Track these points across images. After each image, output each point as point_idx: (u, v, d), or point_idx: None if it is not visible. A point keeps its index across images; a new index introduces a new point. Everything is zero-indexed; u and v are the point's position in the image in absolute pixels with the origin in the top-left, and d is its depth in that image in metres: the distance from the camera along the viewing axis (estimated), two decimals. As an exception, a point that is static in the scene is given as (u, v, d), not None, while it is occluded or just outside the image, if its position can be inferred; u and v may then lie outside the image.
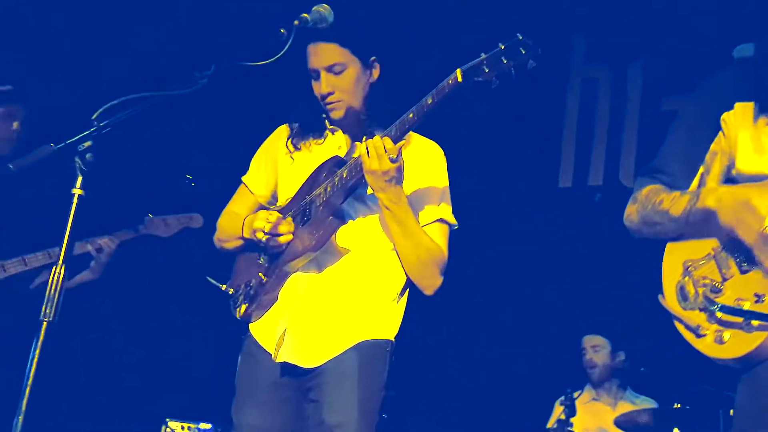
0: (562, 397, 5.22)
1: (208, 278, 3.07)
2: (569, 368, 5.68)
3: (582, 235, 5.91)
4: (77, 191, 2.23)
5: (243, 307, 3.02)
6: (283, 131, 3.16)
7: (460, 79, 2.56)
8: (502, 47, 2.51)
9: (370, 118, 2.96)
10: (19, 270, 4.08)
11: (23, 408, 2.12)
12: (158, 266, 5.56)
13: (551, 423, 5.36)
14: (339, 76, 2.94)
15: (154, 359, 5.79)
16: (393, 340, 2.95)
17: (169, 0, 5.20)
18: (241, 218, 3.05)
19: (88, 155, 2.23)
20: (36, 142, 2.25)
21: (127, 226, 4.37)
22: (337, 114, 2.98)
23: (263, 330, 2.99)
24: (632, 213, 2.65)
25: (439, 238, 2.96)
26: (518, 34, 2.51)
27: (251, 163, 3.21)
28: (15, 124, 4.16)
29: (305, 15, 2.72)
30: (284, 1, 2.97)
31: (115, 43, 5.31)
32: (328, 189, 2.89)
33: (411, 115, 2.69)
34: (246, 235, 3.00)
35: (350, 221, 2.94)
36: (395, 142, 2.71)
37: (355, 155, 2.85)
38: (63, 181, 2.25)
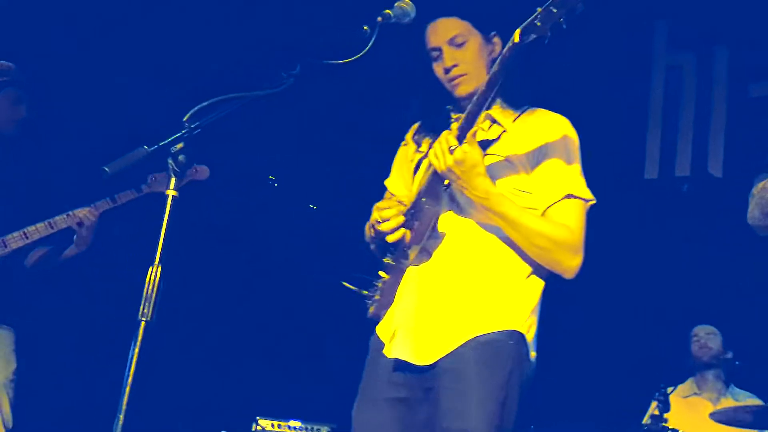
0: (657, 393, 5.12)
1: (344, 283, 3.03)
2: (664, 365, 5.57)
3: (669, 227, 5.80)
4: (171, 192, 2.26)
5: (371, 308, 2.95)
6: (414, 129, 3.08)
7: (517, 39, 2.50)
8: None
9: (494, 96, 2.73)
10: (20, 244, 4.05)
11: (123, 407, 2.16)
12: (244, 262, 5.65)
13: (646, 419, 5.27)
14: (461, 48, 2.83)
15: (247, 357, 5.88)
16: (520, 330, 2.73)
17: (254, 1, 5.25)
18: None
19: (180, 157, 2.26)
20: (130, 145, 2.28)
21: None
22: (463, 89, 2.83)
23: (384, 328, 2.89)
24: (752, 209, 2.55)
25: (567, 216, 2.72)
26: None
27: (392, 165, 3.16)
28: (22, 108, 4.20)
29: (388, 11, 2.67)
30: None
31: (204, 45, 5.39)
32: (429, 178, 2.76)
33: (482, 87, 2.60)
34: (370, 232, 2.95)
35: (458, 207, 2.79)
36: (473, 118, 2.60)
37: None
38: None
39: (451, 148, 2.59)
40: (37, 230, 4.04)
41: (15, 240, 4.03)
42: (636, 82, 6.19)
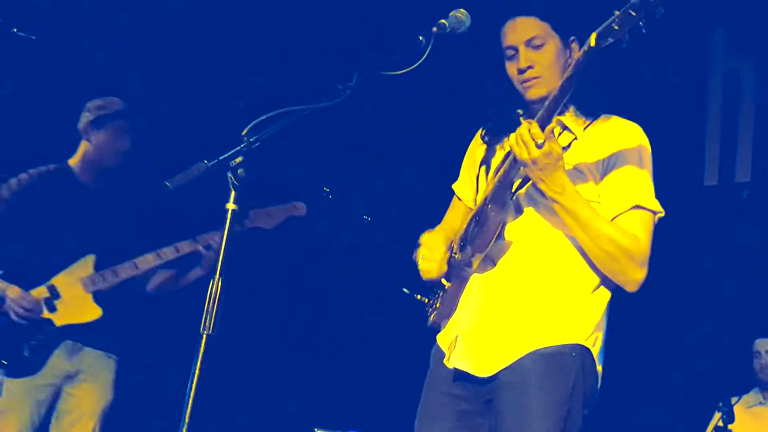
0: (720, 403, 5.03)
1: (404, 290, 3.02)
2: (726, 375, 5.48)
3: (729, 233, 5.70)
4: (231, 206, 2.28)
5: (432, 316, 2.92)
6: (479, 137, 3.04)
7: (593, 43, 2.42)
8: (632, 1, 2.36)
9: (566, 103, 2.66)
10: (131, 274, 4.16)
11: (186, 420, 2.17)
12: (302, 273, 5.67)
13: (709, 430, 5.19)
14: (538, 50, 2.74)
15: (305, 367, 5.90)
16: (585, 344, 2.67)
17: (309, 15, 5.29)
18: (443, 232, 3.00)
19: (239, 170, 2.28)
20: (190, 160, 2.31)
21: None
22: (534, 93, 2.77)
23: (444, 337, 2.85)
24: None
25: (635, 226, 2.63)
26: None
27: (461, 170, 3.12)
28: (127, 140, 4.29)
29: (443, 21, 2.65)
30: (421, 9, 2.96)
31: (261, 60, 5.44)
32: (495, 185, 2.71)
33: (554, 92, 2.53)
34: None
35: (526, 215, 2.73)
36: (544, 124, 2.53)
37: (506, 146, 2.69)
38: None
39: (538, 143, 2.51)
40: (147, 260, 4.17)
41: (125, 270, 4.16)
42: (694, 87, 6.10)
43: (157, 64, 5.44)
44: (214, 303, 2.22)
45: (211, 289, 2.24)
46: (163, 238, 4.23)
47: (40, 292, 4.08)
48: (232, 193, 2.29)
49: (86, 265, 4.15)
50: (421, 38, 2.64)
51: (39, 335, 4.05)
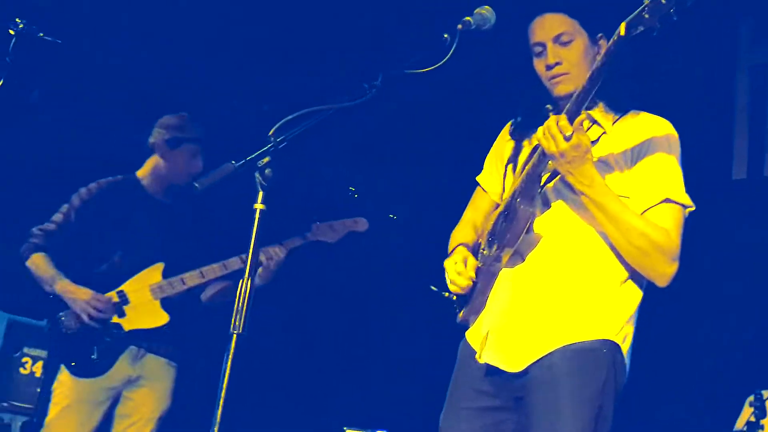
0: (751, 398, 4.97)
1: (432, 287, 3.01)
2: (756, 369, 5.43)
3: (759, 227, 5.64)
4: (259, 206, 2.30)
5: (461, 313, 2.92)
6: (507, 132, 3.04)
7: (623, 32, 2.40)
8: None
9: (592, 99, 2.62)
10: (197, 283, 4.25)
11: (218, 419, 2.19)
12: (330, 272, 5.68)
13: (740, 424, 5.12)
14: (566, 47, 2.75)
15: (334, 366, 5.92)
16: (613, 339, 2.67)
17: (334, 15, 5.29)
18: (471, 227, 3.01)
19: (267, 170, 2.30)
20: (218, 160, 2.32)
21: (297, 234, 4.47)
22: (562, 89, 2.77)
23: (474, 333, 2.85)
24: None
25: (665, 219, 2.62)
26: None
27: (485, 162, 3.12)
28: (200, 162, 4.36)
29: (468, 18, 2.67)
30: (446, 7, 2.95)
31: (286, 60, 5.46)
32: (523, 179, 2.71)
33: (584, 83, 2.52)
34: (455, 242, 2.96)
35: (554, 209, 2.73)
36: (573, 116, 2.53)
37: (534, 140, 2.70)
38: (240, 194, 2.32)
39: (566, 136, 2.50)
40: (213, 270, 4.26)
41: (192, 278, 4.25)
42: (721, 81, 6.04)
43: (183, 68, 5.47)
44: (243, 303, 2.23)
45: (241, 288, 2.25)
46: (227, 249, 4.30)
47: (110, 297, 4.17)
48: (260, 193, 2.31)
49: (155, 272, 4.25)
50: (446, 36, 2.65)
51: (108, 338, 4.14)
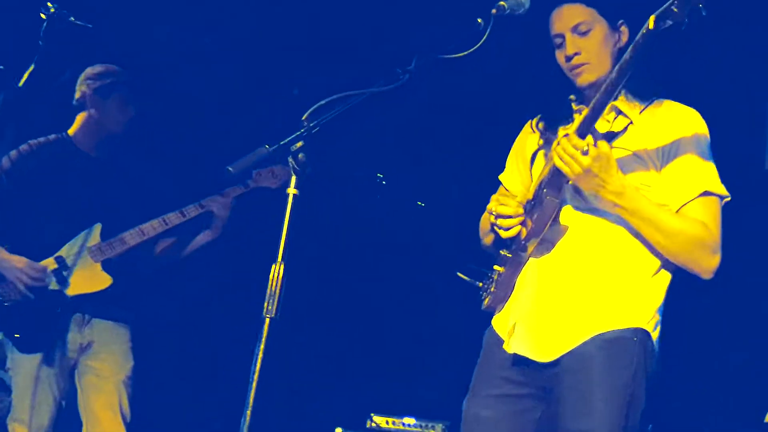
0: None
1: (458, 274, 3.01)
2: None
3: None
4: (292, 191, 2.30)
5: (486, 300, 2.91)
6: (530, 126, 3.04)
7: (651, 26, 2.39)
8: None
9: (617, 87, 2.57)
10: (137, 241, 4.15)
11: (250, 403, 2.20)
12: (357, 258, 5.67)
13: (769, 418, 5.10)
14: (585, 36, 2.76)
15: (362, 353, 5.93)
16: (645, 328, 2.67)
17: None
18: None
19: (300, 155, 2.30)
20: (251, 145, 2.32)
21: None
22: (584, 79, 2.78)
23: (501, 321, 2.86)
24: None
25: (703, 213, 2.64)
26: None
27: (507, 161, 3.13)
28: (131, 109, 4.28)
29: (502, 3, 2.64)
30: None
31: (317, 45, 5.46)
32: (551, 169, 2.68)
33: (612, 75, 2.51)
34: (487, 227, 2.91)
35: (582, 199, 2.72)
36: (602, 108, 2.52)
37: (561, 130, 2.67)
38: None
39: (584, 150, 2.50)
40: (152, 227, 4.15)
41: (132, 237, 4.14)
42: (753, 70, 5.98)
43: (214, 51, 5.47)
44: (276, 287, 2.23)
45: (273, 273, 2.25)
46: (167, 204, 4.24)
47: (48, 264, 4.08)
48: (293, 178, 2.31)
49: (93, 234, 4.15)
50: (480, 21, 2.63)
51: (51, 307, 4.04)
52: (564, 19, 2.79)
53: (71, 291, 4.09)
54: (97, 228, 4.15)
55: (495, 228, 2.80)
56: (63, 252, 4.11)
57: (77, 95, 4.30)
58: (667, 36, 2.43)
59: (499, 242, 2.89)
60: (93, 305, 4.13)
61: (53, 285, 4.08)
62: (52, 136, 4.31)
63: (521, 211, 2.75)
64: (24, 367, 4.03)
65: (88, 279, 4.11)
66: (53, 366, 4.04)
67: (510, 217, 2.74)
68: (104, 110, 4.26)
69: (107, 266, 4.15)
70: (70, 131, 4.32)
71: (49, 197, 4.14)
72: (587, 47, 2.76)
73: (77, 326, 4.12)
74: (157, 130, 4.54)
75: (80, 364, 4.14)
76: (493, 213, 2.77)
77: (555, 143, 2.60)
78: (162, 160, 4.99)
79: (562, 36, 2.79)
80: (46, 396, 4.03)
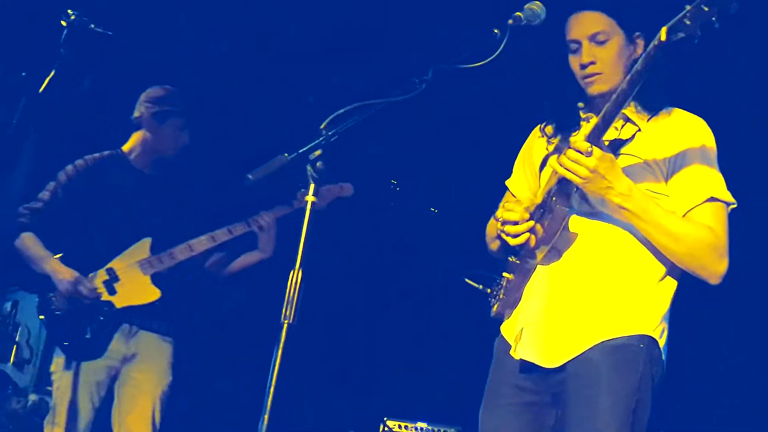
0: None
1: (467, 280, 3.03)
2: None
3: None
4: (310, 198, 2.33)
5: (495, 307, 2.92)
6: (539, 130, 3.05)
7: (663, 38, 2.39)
8: None
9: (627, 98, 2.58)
10: (186, 256, 4.24)
11: (268, 407, 2.22)
12: (371, 265, 5.68)
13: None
14: (602, 46, 2.75)
15: (375, 358, 5.94)
16: (651, 335, 2.67)
17: (384, 8, 5.30)
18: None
19: (318, 163, 2.33)
20: (271, 154, 2.35)
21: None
22: (595, 88, 2.78)
23: (509, 328, 2.87)
24: None
25: (710, 219, 2.63)
26: None
27: (514, 166, 3.14)
28: (186, 136, 4.38)
29: (519, 13, 2.67)
30: (496, 1, 2.95)
31: (335, 56, 5.48)
32: (560, 177, 2.67)
33: (623, 86, 2.51)
34: (493, 233, 2.91)
35: (590, 207, 2.72)
36: (612, 118, 2.52)
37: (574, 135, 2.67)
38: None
39: (587, 152, 2.50)
40: (201, 242, 4.26)
41: (181, 252, 4.25)
42: (763, 78, 5.96)
43: (232, 59, 5.50)
44: (294, 293, 2.26)
45: (292, 278, 2.27)
46: (216, 220, 4.31)
47: (100, 275, 4.17)
48: (311, 186, 2.33)
49: (143, 248, 4.24)
50: (496, 31, 2.65)
51: (100, 317, 4.13)
52: (583, 26, 2.78)
53: (120, 302, 4.19)
54: (148, 242, 4.26)
55: (502, 235, 2.80)
56: (114, 264, 4.22)
57: (136, 114, 4.40)
58: (679, 48, 2.43)
59: (507, 249, 2.90)
60: (140, 317, 4.23)
61: (104, 296, 4.17)
62: (107, 152, 4.41)
63: (527, 216, 2.75)
64: (68, 373, 4.11)
65: (137, 291, 4.21)
66: (96, 374, 4.14)
67: (516, 223, 2.74)
68: (159, 135, 4.36)
69: (156, 280, 4.24)
70: (125, 147, 4.42)
71: (102, 211, 4.25)
72: (603, 57, 2.76)
73: (124, 336, 4.20)
74: (202, 146, 4.59)
75: (122, 374, 4.23)
76: (500, 220, 2.78)
77: (555, 156, 2.60)
78: (210, 176, 5.05)
79: (579, 42, 2.79)
80: (85, 403, 4.11)
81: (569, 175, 2.55)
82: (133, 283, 4.20)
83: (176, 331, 4.35)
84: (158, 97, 4.36)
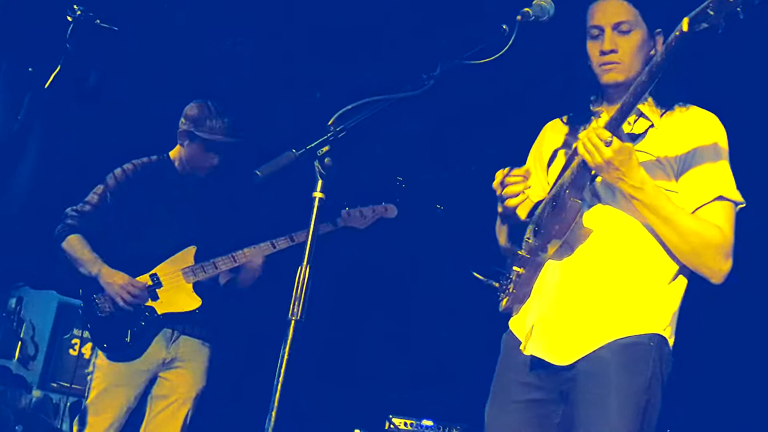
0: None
1: (474, 273, 3.02)
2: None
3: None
4: (318, 194, 2.31)
5: (504, 301, 2.90)
6: (551, 127, 3.04)
7: (685, 28, 2.34)
8: None
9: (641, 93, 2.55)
10: (228, 267, 4.25)
11: (275, 404, 2.21)
12: (378, 263, 5.68)
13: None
14: (625, 36, 2.73)
15: (381, 356, 5.94)
16: (662, 333, 2.65)
17: (390, 4, 5.29)
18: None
19: (326, 159, 2.31)
20: (278, 149, 2.34)
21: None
22: (611, 77, 2.76)
23: (518, 323, 2.84)
24: None
25: (718, 217, 2.63)
26: None
27: (526, 163, 3.10)
28: (216, 158, 4.33)
29: (527, 9, 2.65)
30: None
31: (343, 52, 5.48)
32: (573, 170, 2.66)
33: (643, 77, 2.47)
34: (500, 224, 2.89)
35: (604, 203, 2.70)
36: (629, 109, 2.50)
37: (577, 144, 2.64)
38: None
39: (607, 141, 2.49)
40: (245, 254, 4.27)
41: (224, 262, 4.26)
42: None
43: (240, 54, 5.50)
44: (302, 290, 2.25)
45: (300, 276, 2.26)
46: (259, 232, 4.33)
47: (144, 280, 4.20)
48: (319, 182, 2.32)
49: (187, 256, 4.27)
50: (504, 27, 2.63)
51: (141, 322, 4.17)
52: (608, 14, 2.76)
53: (162, 308, 4.21)
54: (192, 250, 4.27)
55: (503, 203, 2.79)
56: (158, 270, 4.23)
57: (180, 127, 4.36)
58: (700, 40, 2.39)
59: (516, 239, 2.88)
60: (182, 323, 4.25)
61: (147, 301, 4.20)
62: (155, 158, 4.42)
63: (520, 187, 2.74)
64: (106, 374, 4.15)
65: (179, 298, 4.23)
66: (133, 377, 4.16)
67: (516, 183, 2.74)
68: (188, 151, 4.35)
69: (198, 288, 4.26)
70: (172, 154, 4.42)
71: (148, 216, 4.27)
72: (624, 47, 2.74)
73: (165, 341, 4.23)
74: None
75: (158, 377, 4.25)
76: (497, 194, 2.77)
77: (581, 132, 2.58)
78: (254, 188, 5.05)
79: (602, 29, 2.77)
80: (120, 404, 4.14)
81: (586, 156, 2.54)
82: (175, 290, 4.22)
83: (214, 337, 4.37)
84: (190, 116, 4.33)
